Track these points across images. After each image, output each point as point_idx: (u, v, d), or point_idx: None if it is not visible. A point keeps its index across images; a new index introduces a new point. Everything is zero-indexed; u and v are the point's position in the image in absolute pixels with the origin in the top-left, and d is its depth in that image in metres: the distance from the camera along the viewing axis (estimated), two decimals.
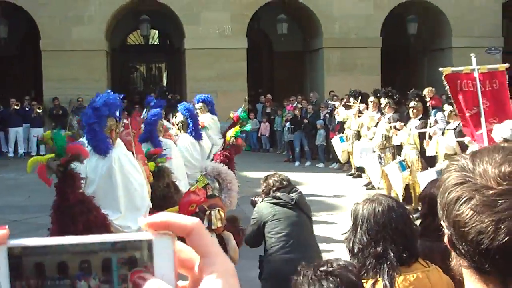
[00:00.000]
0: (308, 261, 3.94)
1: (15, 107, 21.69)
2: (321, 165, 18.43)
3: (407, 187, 11.74)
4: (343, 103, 16.73)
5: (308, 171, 17.31)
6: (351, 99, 15.97)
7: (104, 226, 5.38)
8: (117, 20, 24.31)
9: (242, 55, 23.20)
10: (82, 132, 9.48)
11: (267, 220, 5.71)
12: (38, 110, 21.35)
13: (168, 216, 0.75)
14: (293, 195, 5.75)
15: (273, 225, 5.66)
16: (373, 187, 13.75)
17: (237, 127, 11.21)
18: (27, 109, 21.96)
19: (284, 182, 5.93)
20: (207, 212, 7.67)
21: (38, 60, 23.45)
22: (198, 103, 12.66)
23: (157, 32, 31.68)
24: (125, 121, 11.03)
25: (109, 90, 8.03)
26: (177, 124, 10.77)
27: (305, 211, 5.83)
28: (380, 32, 23.77)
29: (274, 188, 5.83)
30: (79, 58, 22.19)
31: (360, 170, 15.46)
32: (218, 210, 7.99)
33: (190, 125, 10.54)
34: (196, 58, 22.75)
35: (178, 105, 11.41)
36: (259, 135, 22.57)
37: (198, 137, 10.55)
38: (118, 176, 5.63)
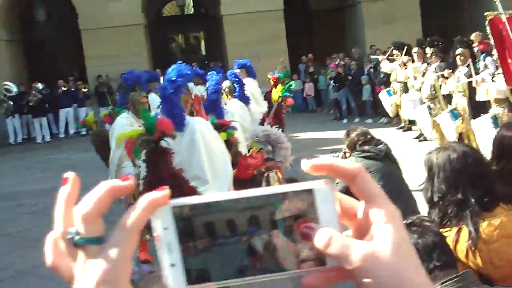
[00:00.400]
0: (407, 209, 3.92)
1: (63, 88, 22.01)
2: (369, 120, 18.27)
3: (460, 136, 11.55)
4: (386, 56, 16.46)
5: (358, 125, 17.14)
6: (395, 52, 15.69)
7: None
8: None
9: (279, 16, 22.99)
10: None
11: None
12: (84, 90, 21.60)
13: (333, 159, 0.74)
14: (381, 146, 5.63)
15: None
16: (425, 139, 13.58)
17: (280, 86, 11.17)
18: (73, 89, 22.28)
19: (368, 136, 5.79)
20: (265, 174, 7.77)
21: (78, 39, 23.65)
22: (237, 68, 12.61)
23: (191, 1, 31.59)
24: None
25: (147, 64, 8.18)
26: (224, 90, 10.76)
27: (394, 161, 5.73)
28: None
29: (360, 142, 5.70)
30: (117, 34, 22.30)
31: (411, 122, 15.30)
32: (275, 171, 8.08)
33: (237, 90, 10.51)
34: (233, 24, 22.63)
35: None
36: (304, 96, 22.45)
37: (246, 101, 10.53)
38: (202, 146, 5.64)
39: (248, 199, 0.72)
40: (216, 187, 5.71)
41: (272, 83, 11.72)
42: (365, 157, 5.51)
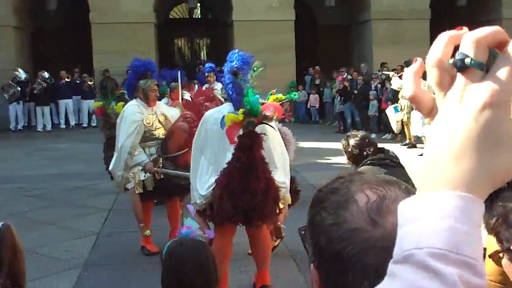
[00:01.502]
0: None
1: (66, 79, 21.96)
2: (373, 135, 18.20)
3: None
4: (396, 73, 16.54)
5: None
6: (405, 69, 15.75)
7: (274, 184, 5.59)
8: None
9: (290, 27, 23.09)
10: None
11: None
12: (89, 83, 21.55)
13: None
14: (391, 152, 5.52)
15: None
16: None
17: (279, 96, 11.09)
18: (77, 81, 22.22)
19: (368, 140, 5.52)
20: None
21: (85, 32, 23.63)
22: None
23: (199, 6, 31.61)
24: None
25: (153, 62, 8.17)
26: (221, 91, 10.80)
27: (403, 167, 5.54)
28: (429, 3, 23.41)
29: (367, 150, 5.41)
30: (127, 30, 22.31)
31: (417, 140, 15.34)
32: None
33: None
34: (243, 31, 22.68)
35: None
36: (308, 107, 22.48)
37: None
38: (270, 130, 5.70)
39: None
40: (281, 173, 5.79)
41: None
42: (382, 165, 5.22)
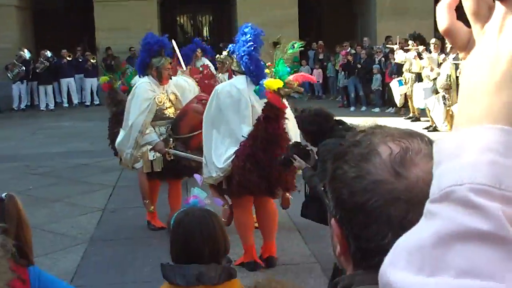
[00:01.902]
0: None
1: (67, 58, 21.86)
2: (376, 109, 18.24)
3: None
4: (400, 46, 16.42)
5: (365, 115, 17.12)
6: (410, 42, 15.66)
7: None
8: None
9: (294, 1, 22.89)
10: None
11: None
12: (92, 61, 21.46)
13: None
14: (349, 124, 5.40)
15: None
16: (435, 129, 13.55)
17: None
18: (80, 60, 22.13)
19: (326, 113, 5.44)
20: None
21: (87, 11, 23.47)
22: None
23: None
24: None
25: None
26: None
27: None
28: None
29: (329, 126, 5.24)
30: (130, 7, 22.15)
31: (421, 112, 15.27)
32: None
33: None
34: (247, 6, 22.52)
35: None
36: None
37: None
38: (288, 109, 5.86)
39: None
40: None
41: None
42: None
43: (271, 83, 5.34)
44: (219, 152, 5.83)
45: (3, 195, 2.87)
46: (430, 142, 1.13)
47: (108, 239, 7.48)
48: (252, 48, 5.74)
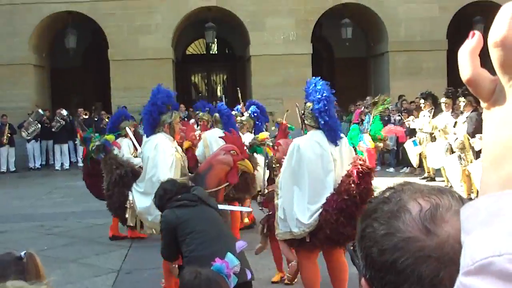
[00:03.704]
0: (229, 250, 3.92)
1: (84, 116, 22.05)
2: (391, 169, 18.17)
3: None
4: (415, 105, 16.44)
5: (379, 176, 17.00)
6: (421, 101, 15.69)
7: None
8: (181, 29, 24.55)
9: (307, 60, 23.17)
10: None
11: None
12: (107, 120, 21.62)
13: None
14: (196, 192, 5.37)
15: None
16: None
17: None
18: (95, 119, 22.31)
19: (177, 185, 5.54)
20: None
21: (103, 70, 23.81)
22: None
23: (215, 40, 31.80)
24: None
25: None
26: (243, 123, 10.82)
27: (212, 205, 5.41)
28: (446, 34, 23.41)
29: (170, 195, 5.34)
30: (146, 67, 22.45)
31: (436, 172, 15.18)
32: None
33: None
34: (261, 65, 22.81)
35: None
36: None
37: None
38: None
39: None
40: None
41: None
42: (179, 206, 5.14)
43: (371, 142, 5.52)
44: (301, 208, 5.85)
45: (23, 253, 2.87)
46: (460, 199, 1.11)
47: None
48: (328, 106, 5.91)
